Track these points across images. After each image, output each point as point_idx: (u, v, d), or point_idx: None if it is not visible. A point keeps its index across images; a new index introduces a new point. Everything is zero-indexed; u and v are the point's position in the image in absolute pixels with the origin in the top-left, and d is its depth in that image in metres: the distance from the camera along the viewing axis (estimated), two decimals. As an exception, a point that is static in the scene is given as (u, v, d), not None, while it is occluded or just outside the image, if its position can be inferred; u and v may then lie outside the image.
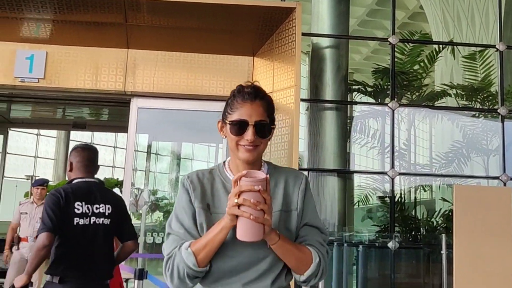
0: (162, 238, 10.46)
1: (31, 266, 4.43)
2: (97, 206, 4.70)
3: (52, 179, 18.10)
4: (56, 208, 4.52)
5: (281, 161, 9.01)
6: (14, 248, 8.19)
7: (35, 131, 17.91)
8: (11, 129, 15.12)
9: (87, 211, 4.61)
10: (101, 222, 4.67)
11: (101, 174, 19.52)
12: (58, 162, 17.11)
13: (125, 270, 7.44)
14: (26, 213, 8.30)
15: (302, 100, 9.58)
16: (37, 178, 9.02)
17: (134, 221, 12.84)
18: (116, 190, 14.89)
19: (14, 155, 16.13)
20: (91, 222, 4.63)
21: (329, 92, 10.61)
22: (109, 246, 4.82)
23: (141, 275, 5.02)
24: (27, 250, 7.95)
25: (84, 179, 4.82)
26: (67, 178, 5.09)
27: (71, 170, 4.88)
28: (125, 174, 9.88)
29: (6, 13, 8.86)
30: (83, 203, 4.62)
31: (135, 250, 5.04)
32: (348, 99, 11.45)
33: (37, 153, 18.04)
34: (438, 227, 11.42)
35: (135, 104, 9.84)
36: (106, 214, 4.73)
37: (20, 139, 16.30)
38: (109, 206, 4.78)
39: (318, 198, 10.74)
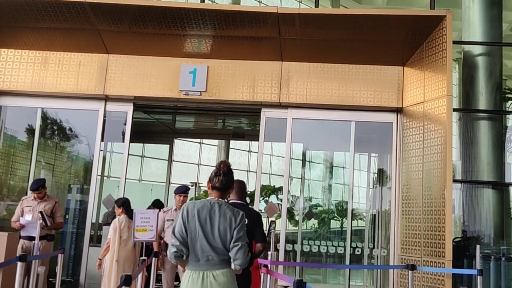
0: (318, 246, 10.51)
1: None
2: None
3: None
4: None
5: (434, 172, 8.76)
6: (164, 253, 8.44)
7: (197, 140, 18.64)
8: (177, 138, 15.81)
9: None
10: None
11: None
12: (219, 169, 17.69)
13: (284, 279, 7.67)
14: (172, 220, 8.48)
15: (455, 110, 9.26)
16: (178, 186, 9.22)
17: (291, 227, 13.06)
18: (273, 196, 15.23)
19: (179, 162, 16.92)
20: None
21: (482, 100, 10.17)
22: None
23: (300, 286, 5.11)
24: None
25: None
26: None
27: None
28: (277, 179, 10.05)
29: (170, 30, 9.36)
30: None
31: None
32: (503, 107, 10.88)
33: (200, 160, 18.76)
34: None
35: (290, 114, 9.98)
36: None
37: (184, 148, 17.07)
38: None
39: (472, 209, 10.37)
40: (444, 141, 8.62)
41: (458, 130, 10.52)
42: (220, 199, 4.64)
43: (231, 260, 4.47)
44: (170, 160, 14.68)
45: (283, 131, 10.08)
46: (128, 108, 10.19)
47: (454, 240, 9.27)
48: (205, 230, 4.45)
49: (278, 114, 10.07)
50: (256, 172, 10.34)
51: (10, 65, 10.07)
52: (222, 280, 4.45)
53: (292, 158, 11.82)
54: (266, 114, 10.15)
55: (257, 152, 10.30)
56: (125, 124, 10.18)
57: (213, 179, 4.63)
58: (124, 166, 10.13)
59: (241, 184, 5.95)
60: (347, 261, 10.96)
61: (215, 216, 4.50)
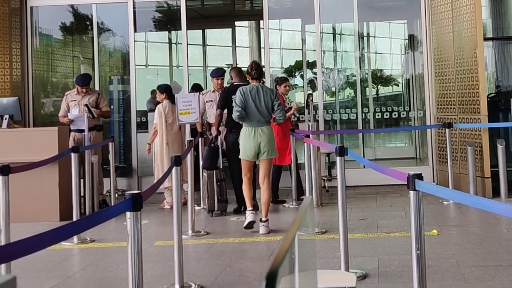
0: (356, 113, 10.51)
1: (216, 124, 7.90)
2: None
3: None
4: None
5: (465, 32, 8.59)
6: (208, 133, 8.60)
7: (229, 23, 18.41)
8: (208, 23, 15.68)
9: None
10: None
11: (292, 58, 19.77)
12: (252, 49, 17.58)
13: (327, 147, 7.85)
14: (211, 101, 8.56)
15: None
16: (214, 68, 9.21)
17: (328, 98, 13.08)
18: (307, 71, 15.15)
19: (213, 46, 16.86)
20: None
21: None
22: None
23: (341, 151, 5.23)
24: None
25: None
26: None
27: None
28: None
29: None
30: None
31: None
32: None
33: (235, 43, 18.57)
34: None
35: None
36: None
37: (216, 32, 16.98)
38: None
39: (505, 65, 10.23)
40: (473, 0, 8.40)
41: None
42: (260, 83, 7.03)
43: (276, 117, 6.94)
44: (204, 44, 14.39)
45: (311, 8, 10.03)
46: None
47: (489, 96, 9.23)
48: (255, 102, 6.78)
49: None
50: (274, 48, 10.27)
51: (36, -36, 9.98)
52: (266, 131, 6.84)
53: (322, 32, 11.68)
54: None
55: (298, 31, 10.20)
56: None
57: (252, 73, 7.01)
58: (185, 53, 10.44)
59: (239, 70, 8.32)
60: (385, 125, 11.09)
61: (260, 94, 6.84)
